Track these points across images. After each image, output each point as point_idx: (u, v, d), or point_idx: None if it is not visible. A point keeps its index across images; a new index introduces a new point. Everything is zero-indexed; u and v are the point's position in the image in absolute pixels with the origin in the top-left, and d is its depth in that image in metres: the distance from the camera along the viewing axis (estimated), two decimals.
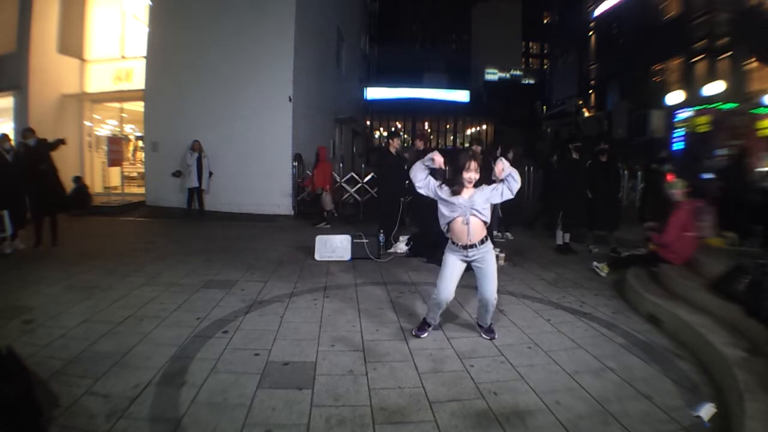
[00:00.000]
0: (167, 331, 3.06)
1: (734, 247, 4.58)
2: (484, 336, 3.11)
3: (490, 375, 2.53)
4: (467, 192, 2.82)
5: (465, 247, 2.83)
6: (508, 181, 2.75)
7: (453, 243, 2.89)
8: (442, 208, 2.87)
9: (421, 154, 6.18)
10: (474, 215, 2.78)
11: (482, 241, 2.83)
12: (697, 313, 3.11)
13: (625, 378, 2.50)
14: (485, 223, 2.84)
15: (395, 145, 6.19)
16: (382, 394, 2.29)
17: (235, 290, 4.09)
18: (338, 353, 2.79)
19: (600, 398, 2.27)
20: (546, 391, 2.34)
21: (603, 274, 4.84)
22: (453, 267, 2.92)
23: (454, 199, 2.79)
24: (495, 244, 4.97)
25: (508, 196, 2.81)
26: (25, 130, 6.13)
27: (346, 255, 5.45)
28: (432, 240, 5.63)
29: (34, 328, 3.05)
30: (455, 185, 2.81)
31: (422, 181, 2.88)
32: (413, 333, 3.12)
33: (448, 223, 2.89)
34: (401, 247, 5.91)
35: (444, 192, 2.83)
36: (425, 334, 3.10)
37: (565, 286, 4.47)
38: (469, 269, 2.99)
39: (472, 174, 2.78)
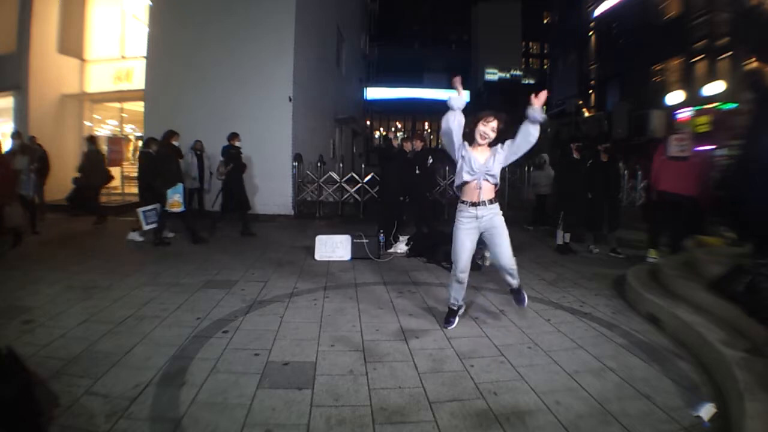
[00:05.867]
0: (167, 331, 3.06)
1: (734, 247, 4.59)
2: (515, 304, 3.26)
3: (490, 375, 2.53)
4: (483, 155, 2.90)
5: (474, 204, 2.92)
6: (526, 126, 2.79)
7: (463, 202, 2.97)
8: (461, 169, 2.92)
9: (418, 154, 6.21)
10: (486, 180, 2.90)
11: (491, 201, 2.94)
12: (697, 313, 3.11)
13: (625, 378, 2.50)
14: (496, 185, 2.97)
15: (417, 146, 6.17)
16: (382, 394, 2.29)
17: (235, 290, 4.09)
18: (338, 353, 2.79)
19: (600, 398, 2.27)
20: (546, 391, 2.34)
21: (655, 258, 5.14)
22: (463, 238, 2.98)
23: (473, 163, 2.86)
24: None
25: (526, 147, 2.85)
26: (233, 134, 7.09)
27: (346, 255, 5.45)
28: (432, 240, 5.65)
29: (34, 328, 3.05)
30: (468, 138, 2.90)
31: (453, 119, 2.83)
32: (444, 326, 3.20)
33: (462, 184, 2.97)
34: (401, 247, 5.91)
35: (466, 151, 2.89)
36: (455, 323, 3.23)
37: (565, 286, 4.47)
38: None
39: (488, 129, 2.86)
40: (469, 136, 2.93)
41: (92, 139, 7.81)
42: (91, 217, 7.70)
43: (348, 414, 2.11)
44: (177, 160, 6.34)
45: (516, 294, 3.25)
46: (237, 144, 7.06)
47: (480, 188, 2.91)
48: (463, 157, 2.92)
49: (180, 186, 6.18)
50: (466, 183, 2.95)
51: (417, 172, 6.17)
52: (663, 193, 5.18)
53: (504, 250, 2.98)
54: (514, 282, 3.15)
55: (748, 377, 2.15)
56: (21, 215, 6.28)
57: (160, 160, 6.21)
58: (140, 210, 6.19)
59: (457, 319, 3.27)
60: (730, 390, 2.23)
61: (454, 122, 2.83)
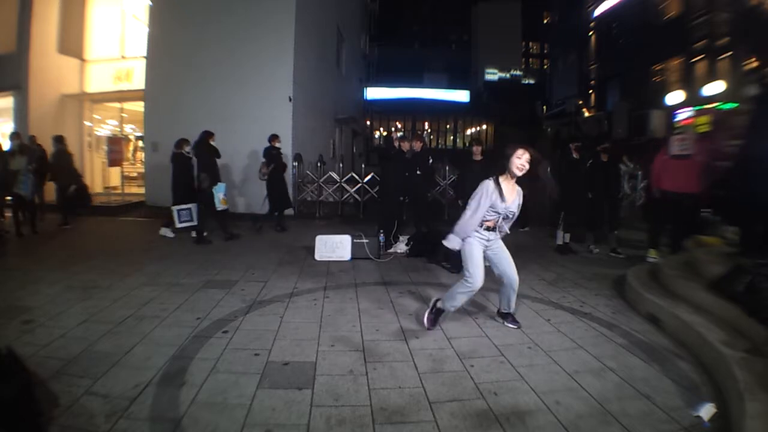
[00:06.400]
0: (167, 331, 3.06)
1: (734, 247, 4.58)
2: (510, 326, 3.28)
3: (490, 375, 2.53)
4: (511, 193, 3.00)
5: (489, 229, 3.05)
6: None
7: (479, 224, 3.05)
8: (483, 209, 2.98)
9: (417, 155, 6.20)
10: (507, 216, 3.05)
11: (500, 229, 3.12)
12: (697, 313, 3.11)
13: (625, 378, 2.50)
14: (505, 219, 3.12)
15: (416, 146, 6.17)
16: (382, 394, 2.29)
17: (235, 290, 4.09)
18: (338, 353, 2.79)
19: (600, 398, 2.28)
20: (546, 391, 2.34)
21: (655, 258, 5.25)
22: (481, 252, 3.08)
23: (499, 206, 2.96)
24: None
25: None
26: (273, 135, 7.47)
27: (346, 255, 5.45)
28: (432, 240, 5.65)
29: (34, 328, 3.05)
30: (502, 169, 2.97)
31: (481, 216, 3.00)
32: (427, 326, 3.22)
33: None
34: (401, 247, 5.91)
35: (495, 201, 2.96)
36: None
37: (565, 286, 4.47)
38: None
39: (524, 161, 2.94)
40: (501, 168, 2.99)
41: (60, 139, 7.65)
42: (92, 217, 7.69)
43: (348, 414, 2.11)
44: (215, 159, 6.49)
45: (510, 318, 3.33)
46: (277, 145, 7.41)
47: (497, 222, 3.06)
48: (492, 201, 2.96)
49: (222, 185, 6.46)
50: (486, 219, 3.02)
51: (418, 172, 6.15)
52: (665, 193, 5.20)
53: (512, 265, 3.16)
54: (514, 304, 3.28)
55: (748, 377, 2.15)
56: None
57: (201, 160, 6.39)
58: (175, 208, 6.45)
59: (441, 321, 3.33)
60: (730, 390, 2.23)
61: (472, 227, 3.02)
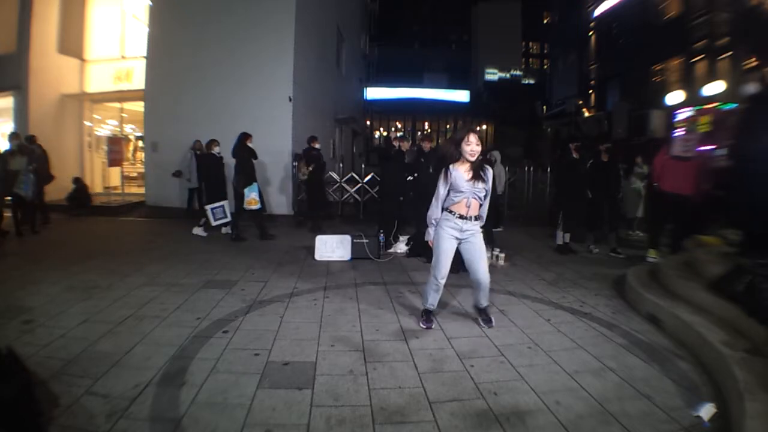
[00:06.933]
0: (167, 331, 3.06)
1: (733, 247, 4.58)
2: (482, 324, 3.26)
3: (490, 375, 2.53)
4: (469, 174, 2.99)
5: (462, 218, 3.02)
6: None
7: (450, 212, 3.03)
8: (451, 195, 3.02)
9: (426, 155, 6.18)
10: (475, 199, 3.01)
11: (476, 218, 3.07)
12: (697, 313, 3.11)
13: (625, 378, 2.50)
14: (481, 205, 3.09)
15: (425, 147, 6.16)
16: (382, 394, 2.29)
17: (235, 290, 4.09)
18: (338, 353, 2.79)
19: (600, 398, 2.27)
20: (546, 391, 2.34)
21: (655, 258, 5.27)
22: (447, 246, 3.07)
23: (462, 184, 2.96)
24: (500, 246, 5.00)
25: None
26: (312, 137, 7.77)
27: (346, 255, 5.45)
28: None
29: (34, 328, 3.05)
30: (456, 157, 2.99)
31: (442, 201, 3.07)
32: (422, 326, 3.24)
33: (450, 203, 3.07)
34: (401, 247, 5.91)
35: (451, 181, 2.98)
36: (434, 324, 3.26)
37: (565, 286, 4.47)
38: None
39: (473, 146, 2.95)
40: (454, 156, 3.02)
41: (31, 139, 7.58)
42: (92, 217, 7.67)
43: (348, 414, 2.11)
44: (251, 160, 6.64)
45: (484, 314, 3.31)
46: (317, 146, 7.55)
47: (469, 206, 3.02)
48: (449, 182, 2.99)
49: (255, 185, 6.57)
50: (455, 202, 3.03)
51: (431, 170, 6.15)
52: (665, 193, 5.21)
53: (482, 265, 3.11)
54: (485, 301, 3.26)
55: (748, 377, 2.15)
56: None
57: (238, 161, 6.52)
58: (208, 207, 6.63)
59: (434, 320, 3.33)
60: (730, 390, 2.23)
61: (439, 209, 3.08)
